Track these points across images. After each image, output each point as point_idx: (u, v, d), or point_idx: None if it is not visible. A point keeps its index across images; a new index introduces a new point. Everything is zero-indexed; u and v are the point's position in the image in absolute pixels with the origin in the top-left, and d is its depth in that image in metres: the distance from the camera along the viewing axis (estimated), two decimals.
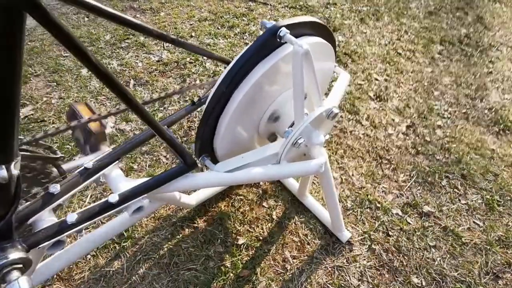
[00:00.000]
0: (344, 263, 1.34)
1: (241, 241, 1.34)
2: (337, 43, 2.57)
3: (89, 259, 1.21)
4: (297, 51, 0.83)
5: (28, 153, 0.78)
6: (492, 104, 2.25)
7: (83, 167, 0.87)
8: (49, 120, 1.66)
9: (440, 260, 1.38)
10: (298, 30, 0.92)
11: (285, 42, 0.87)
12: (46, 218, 0.81)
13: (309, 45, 0.93)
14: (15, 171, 0.60)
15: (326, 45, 1.03)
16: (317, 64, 0.98)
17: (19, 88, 0.51)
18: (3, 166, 0.57)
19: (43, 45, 2.13)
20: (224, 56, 1.12)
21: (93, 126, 0.94)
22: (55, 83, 1.86)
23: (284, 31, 0.84)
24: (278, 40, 0.85)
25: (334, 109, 1.01)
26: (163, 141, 0.79)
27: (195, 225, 1.37)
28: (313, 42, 0.96)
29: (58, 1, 2.46)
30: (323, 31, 1.01)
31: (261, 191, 1.52)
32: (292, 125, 1.02)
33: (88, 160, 0.86)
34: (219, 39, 2.39)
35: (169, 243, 1.30)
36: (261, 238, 1.37)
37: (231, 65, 0.87)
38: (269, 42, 0.86)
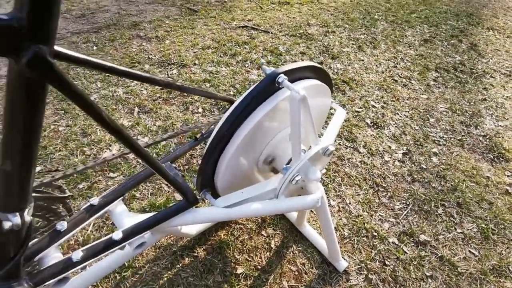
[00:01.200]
0: None
1: (239, 270, 1.37)
2: (335, 70, 2.67)
3: None
4: (294, 97, 0.88)
5: (39, 195, 0.82)
6: (487, 131, 2.31)
7: (89, 204, 0.91)
8: (56, 147, 1.71)
9: None
10: (296, 74, 0.98)
11: (283, 87, 0.93)
12: (52, 255, 0.85)
13: (306, 88, 1.00)
14: (28, 217, 0.64)
15: (322, 85, 1.10)
16: (314, 102, 1.04)
17: (37, 145, 0.56)
18: (17, 214, 0.62)
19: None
20: (226, 96, 1.18)
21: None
22: (63, 111, 1.92)
23: (282, 78, 0.90)
24: (276, 85, 0.91)
25: (330, 147, 1.06)
26: (167, 182, 0.83)
27: (195, 254, 1.39)
28: (309, 85, 1.02)
29: (68, 31, 2.57)
30: (320, 73, 1.08)
31: (260, 220, 1.55)
32: (289, 161, 1.07)
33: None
34: (222, 67, 2.48)
35: (169, 272, 1.33)
36: (259, 267, 1.39)
37: (232, 108, 0.93)
38: (268, 88, 0.92)
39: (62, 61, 0.55)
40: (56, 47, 0.51)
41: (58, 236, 0.84)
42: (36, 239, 0.83)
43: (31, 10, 0.42)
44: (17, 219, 0.61)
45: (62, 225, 0.84)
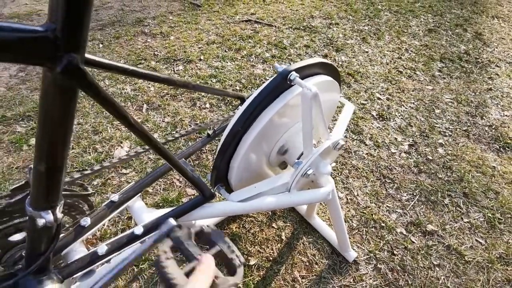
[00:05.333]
0: (351, 282, 1.39)
1: (252, 261, 1.41)
2: (340, 63, 2.67)
3: None
4: (306, 94, 0.91)
5: (66, 192, 0.86)
6: (492, 121, 2.32)
7: (109, 201, 0.95)
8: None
9: (444, 278, 1.44)
10: (307, 71, 1.01)
11: (295, 84, 0.96)
12: (78, 249, 0.89)
13: (316, 84, 1.02)
14: (60, 214, 0.68)
15: (332, 81, 1.12)
16: (324, 97, 1.06)
17: (68, 146, 0.59)
18: (49, 211, 0.65)
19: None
20: (238, 93, 1.21)
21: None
22: None
23: (294, 75, 0.92)
24: (288, 82, 0.94)
25: (341, 141, 1.09)
26: (186, 179, 0.86)
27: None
28: (320, 81, 1.04)
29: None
30: (329, 69, 1.10)
31: (270, 213, 1.59)
32: (300, 155, 1.10)
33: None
34: (227, 62, 2.49)
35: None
36: (271, 258, 1.43)
37: (246, 105, 0.95)
38: (280, 85, 0.94)
39: (91, 68, 0.58)
40: (87, 55, 0.54)
41: (82, 231, 0.88)
42: (62, 235, 0.87)
43: (65, 22, 0.44)
44: (49, 217, 0.65)
45: (86, 221, 0.88)
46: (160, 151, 0.76)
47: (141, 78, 0.72)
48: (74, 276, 0.83)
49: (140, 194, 1.02)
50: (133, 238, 0.89)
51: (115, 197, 0.96)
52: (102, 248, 0.85)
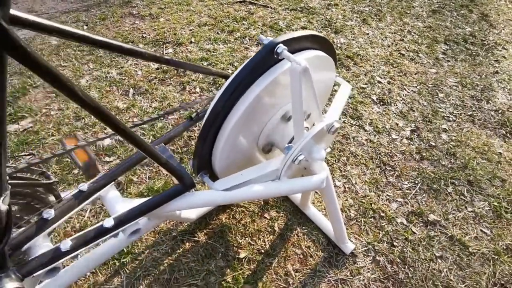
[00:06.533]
0: (347, 275, 1.31)
1: (242, 254, 1.32)
2: (339, 45, 2.54)
3: (88, 276, 1.20)
4: (294, 68, 0.80)
5: (20, 181, 0.76)
6: (499, 106, 2.20)
7: (77, 190, 0.85)
8: (48, 132, 1.65)
9: (446, 271, 1.35)
10: (296, 45, 0.89)
11: (283, 58, 0.85)
12: (41, 244, 0.80)
13: (307, 59, 0.90)
14: (4, 206, 0.58)
15: (325, 57, 1.00)
16: (317, 76, 0.95)
17: (4, 127, 0.49)
18: None
19: (42, 55, 2.12)
20: (222, 71, 1.09)
21: (80, 156, 0.91)
22: (54, 94, 1.84)
23: (281, 48, 0.81)
24: (275, 56, 0.83)
25: (336, 123, 0.99)
26: (159, 165, 0.76)
27: (196, 238, 1.35)
28: (311, 56, 0.93)
29: (57, 11, 2.46)
30: (322, 43, 0.98)
31: (262, 202, 1.50)
32: (291, 140, 1.00)
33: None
34: (219, 44, 2.36)
35: (170, 258, 1.29)
36: (263, 251, 1.35)
37: (227, 82, 0.85)
38: (266, 59, 0.83)
39: (21, 28, 0.46)
40: (12, 11, 0.43)
41: (45, 224, 0.78)
42: (23, 228, 0.77)
43: None
44: None
45: (49, 213, 0.78)
46: (124, 133, 0.65)
47: (97, 46, 0.61)
48: (36, 274, 0.74)
49: (113, 183, 0.92)
50: (102, 232, 0.80)
51: (84, 186, 0.86)
52: (66, 244, 0.75)
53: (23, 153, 1.52)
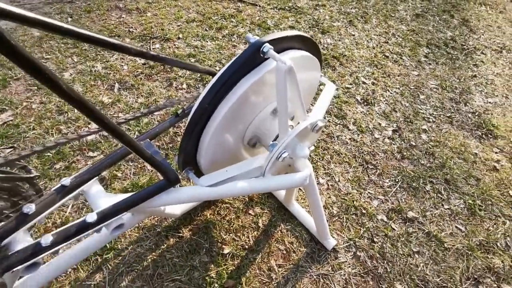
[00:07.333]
0: (329, 271, 1.35)
1: (226, 250, 1.34)
2: (326, 45, 2.58)
3: (70, 272, 1.19)
4: (280, 67, 0.81)
5: (1, 175, 0.75)
6: (476, 108, 2.29)
7: (60, 185, 0.84)
8: (30, 126, 1.61)
9: (423, 266, 1.41)
10: (282, 44, 0.91)
11: (269, 57, 0.86)
12: (21, 239, 0.79)
13: (293, 59, 0.92)
14: None
15: (310, 57, 1.03)
16: (302, 75, 0.97)
17: None
18: None
19: (24, 46, 2.05)
20: (209, 68, 1.10)
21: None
22: (36, 87, 1.80)
23: (267, 47, 0.83)
24: (261, 55, 0.84)
25: (319, 122, 1.01)
26: (144, 160, 0.77)
27: (180, 234, 1.35)
28: (297, 56, 0.95)
29: (40, 1, 2.39)
30: (308, 43, 1.00)
31: (247, 198, 1.51)
32: (276, 138, 1.02)
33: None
34: (207, 41, 2.36)
35: (153, 253, 1.29)
36: (246, 247, 1.36)
37: (214, 79, 0.85)
38: (252, 58, 0.84)
39: (0, 18, 0.45)
40: None
41: (25, 219, 0.77)
42: (2, 223, 0.76)
43: None
44: None
45: (30, 208, 0.77)
46: (109, 127, 0.65)
47: (80, 40, 0.61)
48: (15, 269, 0.73)
49: (96, 178, 0.91)
50: (84, 227, 0.79)
51: (66, 180, 0.85)
52: (46, 239, 0.75)
53: (3, 147, 1.48)
